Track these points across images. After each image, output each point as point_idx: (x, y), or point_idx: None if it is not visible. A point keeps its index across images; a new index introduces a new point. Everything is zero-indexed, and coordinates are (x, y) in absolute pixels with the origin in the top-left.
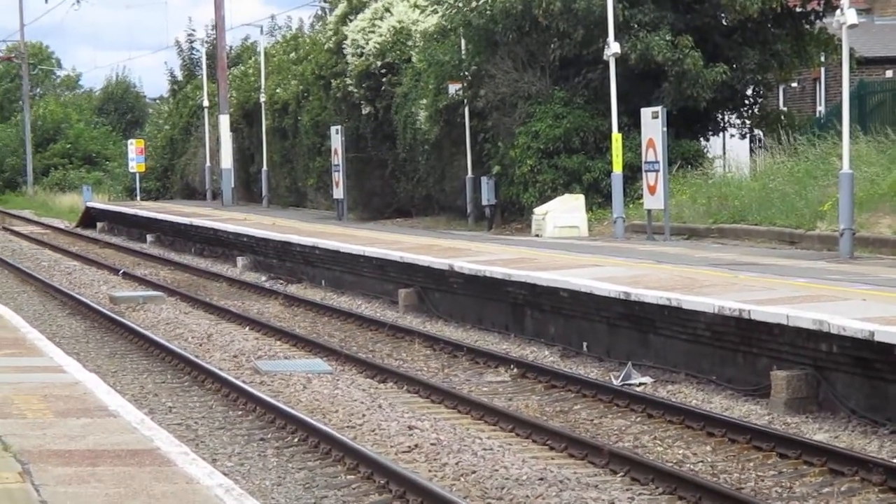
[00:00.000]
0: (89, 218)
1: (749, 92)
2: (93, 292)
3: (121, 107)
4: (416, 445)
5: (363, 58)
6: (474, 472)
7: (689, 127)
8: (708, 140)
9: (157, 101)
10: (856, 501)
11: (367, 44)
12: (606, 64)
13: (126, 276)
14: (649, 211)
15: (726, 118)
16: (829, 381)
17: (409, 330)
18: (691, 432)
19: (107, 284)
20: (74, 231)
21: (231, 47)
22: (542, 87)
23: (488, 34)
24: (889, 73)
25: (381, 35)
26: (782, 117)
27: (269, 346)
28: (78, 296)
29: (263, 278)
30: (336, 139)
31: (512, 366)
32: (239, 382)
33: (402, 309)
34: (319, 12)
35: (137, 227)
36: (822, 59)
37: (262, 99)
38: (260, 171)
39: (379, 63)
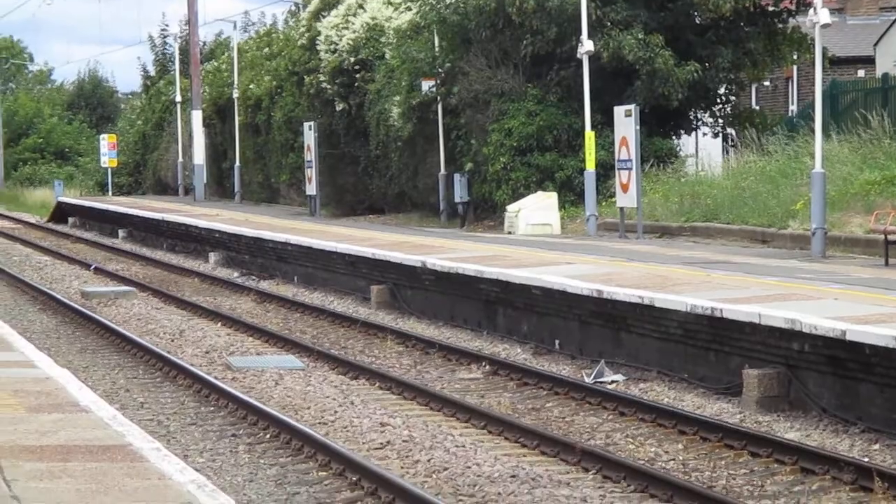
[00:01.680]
0: (61, 213)
1: (722, 91)
2: (64, 287)
3: (92, 102)
4: (388, 442)
5: (336, 54)
6: (446, 468)
7: (662, 125)
8: (681, 138)
9: (130, 96)
10: (827, 500)
11: (341, 40)
12: (579, 62)
13: (98, 271)
14: (622, 209)
15: (699, 117)
16: (801, 380)
17: (381, 327)
18: (663, 430)
19: (78, 279)
20: (46, 226)
21: (204, 43)
22: (515, 84)
23: (462, 31)
24: (861, 73)
25: (354, 31)
26: (755, 116)
27: (242, 343)
28: (49, 291)
29: (236, 274)
30: (309, 135)
31: (484, 363)
32: (211, 378)
33: (375, 305)
34: (293, 8)
35: (109, 222)
36: (795, 58)
37: (235, 95)
38: (232, 166)
39: (352, 59)
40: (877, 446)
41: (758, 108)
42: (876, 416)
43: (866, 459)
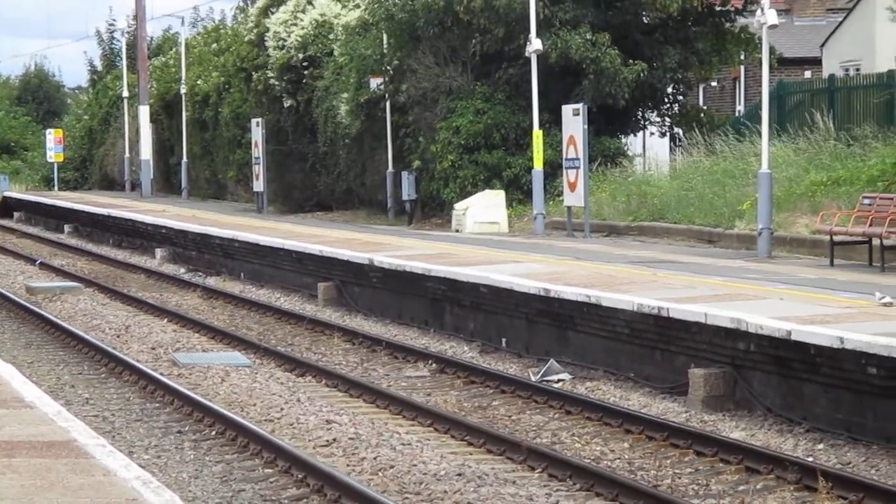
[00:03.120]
0: (6, 208)
1: (669, 90)
2: (9, 282)
3: (38, 96)
4: (334, 440)
5: (284, 50)
6: (392, 466)
7: (610, 124)
8: (628, 138)
9: (77, 91)
10: (771, 499)
11: (289, 36)
12: (527, 60)
13: (43, 266)
14: (569, 208)
15: (646, 116)
16: (746, 380)
17: (328, 324)
18: (609, 429)
19: (23, 275)
20: None
21: (152, 38)
22: (463, 82)
23: (410, 29)
24: (808, 74)
25: (302, 28)
26: (701, 115)
27: (188, 339)
28: None
29: (182, 270)
30: (257, 132)
31: (431, 361)
32: (156, 374)
33: (322, 303)
34: (241, 4)
35: (55, 217)
36: (742, 58)
37: (183, 90)
38: (180, 162)
39: (300, 56)
40: (821, 446)
41: (704, 107)
42: (820, 416)
43: (810, 459)
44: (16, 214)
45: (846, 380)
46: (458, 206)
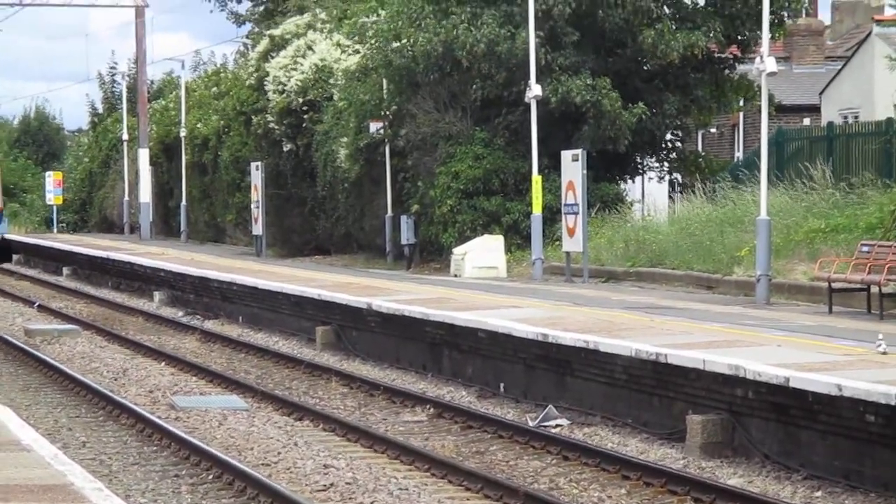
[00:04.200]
0: (5, 250)
1: (668, 136)
2: (7, 325)
3: (38, 138)
4: (331, 484)
5: (284, 95)
6: None
7: (609, 170)
8: (627, 183)
9: (77, 133)
10: None
11: (289, 81)
12: (527, 106)
13: (41, 308)
14: (568, 253)
15: (645, 161)
16: (744, 426)
17: (326, 368)
18: (607, 475)
19: (22, 317)
20: None
21: (153, 81)
22: (462, 127)
23: (409, 74)
24: (807, 121)
25: (302, 72)
26: (699, 160)
27: (186, 382)
28: None
29: (180, 313)
30: (256, 175)
31: (429, 406)
32: (154, 418)
33: (320, 347)
34: (242, 48)
35: (54, 259)
36: (741, 104)
37: (183, 133)
38: (179, 205)
39: (300, 100)
40: (819, 493)
41: (703, 153)
42: (818, 464)
43: None
44: (14, 257)
45: (844, 427)
46: (457, 250)
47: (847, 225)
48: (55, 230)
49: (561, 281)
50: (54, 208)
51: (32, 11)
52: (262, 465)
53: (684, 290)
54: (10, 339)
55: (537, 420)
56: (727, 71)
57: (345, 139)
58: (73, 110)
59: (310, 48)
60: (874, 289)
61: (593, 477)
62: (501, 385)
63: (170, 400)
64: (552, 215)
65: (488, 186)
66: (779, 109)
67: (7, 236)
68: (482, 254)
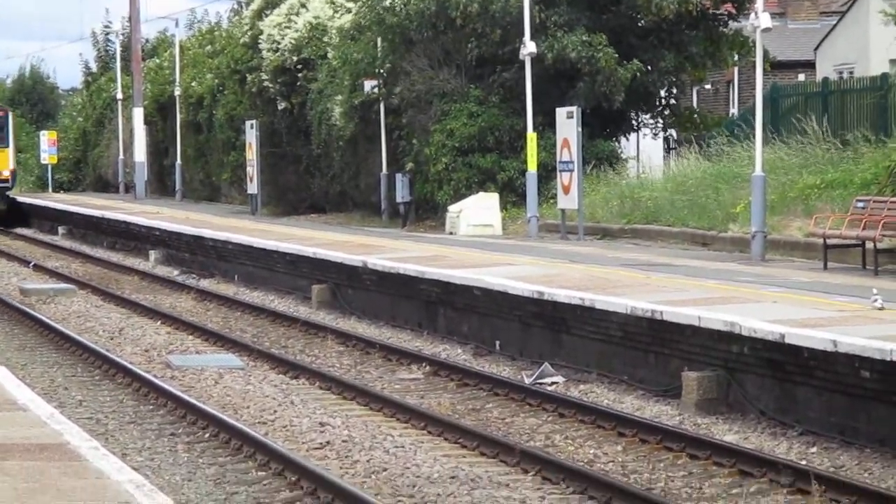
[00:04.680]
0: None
1: (663, 93)
2: (3, 284)
3: (32, 97)
4: (327, 442)
5: (279, 53)
6: (385, 469)
7: (604, 127)
8: (621, 140)
9: (71, 92)
10: (765, 503)
11: (283, 39)
12: (522, 63)
13: (37, 268)
14: (563, 211)
15: (640, 118)
16: (740, 383)
17: (322, 326)
18: (602, 432)
19: (17, 276)
20: None
21: (147, 40)
22: (457, 85)
23: (403, 32)
24: (801, 77)
25: (296, 31)
26: (694, 116)
27: (181, 341)
28: None
29: (176, 272)
30: (251, 134)
31: (424, 363)
32: (150, 377)
33: (315, 305)
34: (236, 7)
35: (49, 219)
36: (736, 60)
37: (177, 92)
38: (174, 164)
39: (294, 59)
40: (814, 449)
41: (698, 109)
42: (814, 420)
43: (804, 462)
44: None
45: (840, 383)
46: (452, 208)
47: (842, 181)
48: (50, 190)
49: (556, 238)
50: (49, 167)
51: None
52: (259, 423)
53: (679, 246)
54: (5, 298)
55: (533, 377)
56: (722, 27)
57: (339, 97)
58: (67, 69)
59: (303, 6)
60: (869, 244)
61: (589, 434)
62: (497, 343)
63: (166, 359)
64: (547, 173)
65: (483, 144)
66: (774, 65)
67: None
68: (477, 211)
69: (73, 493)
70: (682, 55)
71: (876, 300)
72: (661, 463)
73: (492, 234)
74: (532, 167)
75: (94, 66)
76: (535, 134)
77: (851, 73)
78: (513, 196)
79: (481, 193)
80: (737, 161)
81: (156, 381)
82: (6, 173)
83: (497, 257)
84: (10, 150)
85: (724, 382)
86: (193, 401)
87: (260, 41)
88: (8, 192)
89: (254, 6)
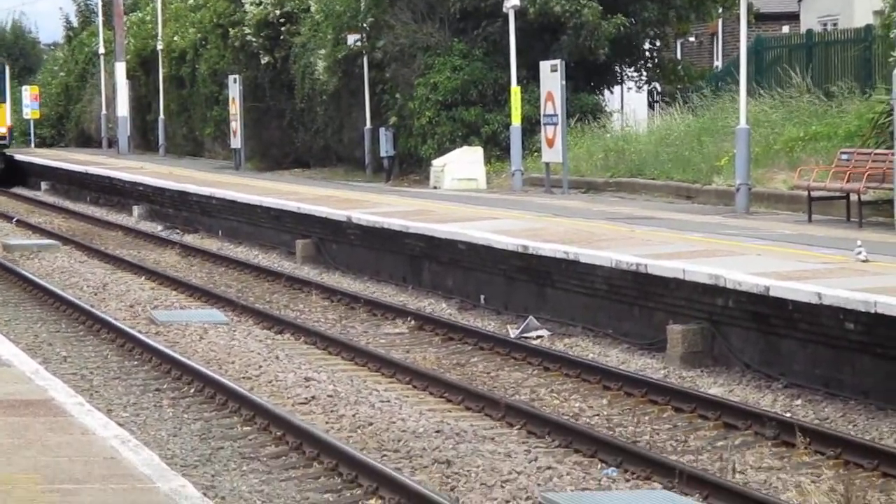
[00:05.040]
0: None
1: (647, 45)
2: None
3: (14, 52)
4: (313, 397)
5: (261, 6)
6: (371, 424)
7: (588, 80)
8: (605, 94)
9: (52, 47)
10: (749, 455)
11: None
12: (506, 17)
13: (20, 223)
14: (547, 164)
15: (624, 71)
16: (725, 336)
17: (306, 281)
18: (588, 385)
19: (0, 232)
20: None
21: None
22: (441, 38)
23: None
24: (785, 29)
25: None
26: (679, 68)
27: (166, 297)
28: None
29: (159, 228)
30: (234, 88)
31: (410, 318)
32: (135, 332)
33: (300, 260)
34: None
35: (31, 174)
36: (720, 12)
37: (160, 47)
38: (157, 119)
39: (277, 12)
40: (799, 401)
41: (682, 62)
42: (798, 372)
43: (788, 415)
44: None
45: (824, 335)
46: (436, 162)
47: (826, 133)
48: (33, 145)
49: (540, 192)
50: (31, 123)
51: None
52: (244, 378)
53: (664, 200)
54: None
55: (518, 331)
56: None
57: (322, 51)
58: (48, 24)
59: None
60: (853, 197)
61: (574, 388)
62: (482, 297)
63: (150, 314)
64: (531, 126)
65: (467, 97)
66: (758, 17)
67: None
68: (461, 165)
69: (59, 448)
70: (666, 7)
71: (860, 252)
72: (647, 416)
73: (476, 189)
74: (516, 121)
75: (75, 21)
76: (518, 87)
77: (835, 24)
78: (497, 150)
79: (465, 147)
80: (721, 114)
81: (140, 336)
82: (3, 130)
83: (481, 211)
84: (7, 105)
85: (708, 335)
86: (178, 356)
87: None
88: (5, 151)
89: None
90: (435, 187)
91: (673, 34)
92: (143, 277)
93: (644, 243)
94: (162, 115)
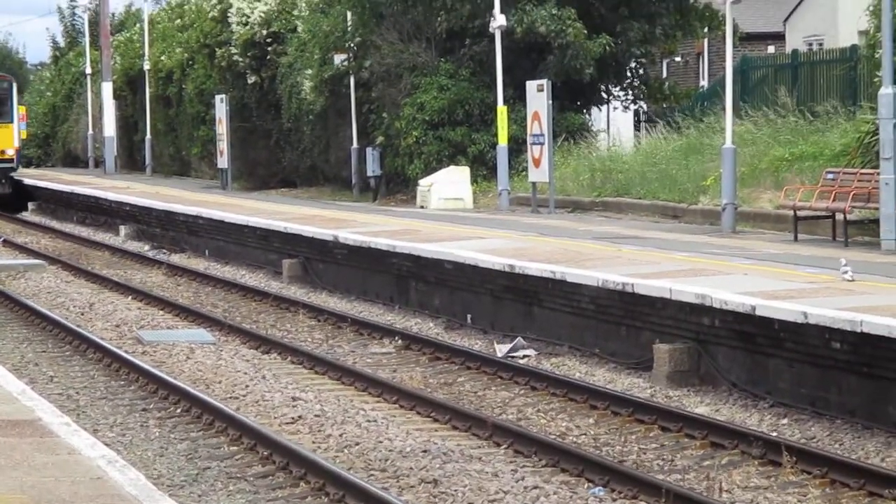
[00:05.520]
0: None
1: (633, 65)
2: None
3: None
4: (299, 417)
5: (248, 27)
6: (358, 443)
7: (574, 100)
8: (592, 113)
9: (39, 67)
10: (736, 474)
11: (252, 13)
12: (492, 37)
13: (6, 243)
14: (534, 184)
15: (610, 90)
16: (711, 355)
17: (293, 301)
18: (574, 405)
19: None
20: None
21: (115, 14)
22: (427, 58)
23: (373, 5)
24: (771, 49)
25: (266, 4)
26: (664, 87)
27: (152, 316)
28: None
29: (146, 247)
30: (221, 108)
31: (396, 337)
32: (121, 352)
33: (287, 279)
34: None
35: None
36: (706, 31)
37: (146, 66)
38: (143, 139)
39: (264, 32)
40: (785, 420)
41: (668, 81)
42: (784, 391)
43: (775, 434)
44: None
45: (810, 355)
46: (423, 182)
47: (812, 153)
48: (19, 166)
49: (527, 211)
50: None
51: None
52: (230, 398)
53: (650, 219)
54: None
55: (507, 351)
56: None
57: (309, 71)
58: (35, 44)
59: None
60: (839, 216)
61: (561, 407)
62: (469, 316)
63: (137, 334)
64: (518, 146)
65: (453, 117)
66: (743, 38)
67: None
68: (448, 185)
69: (45, 468)
70: (652, 26)
71: (846, 272)
72: (633, 435)
73: (463, 208)
74: (503, 140)
75: (61, 42)
76: (505, 107)
77: (821, 44)
78: (483, 169)
79: (452, 167)
80: (707, 133)
81: (127, 356)
82: (10, 152)
83: (468, 231)
84: (14, 125)
85: (695, 354)
86: (165, 376)
87: (229, 15)
88: (12, 174)
89: None
90: (422, 207)
91: (659, 54)
92: (130, 297)
93: (630, 263)
94: (149, 135)
